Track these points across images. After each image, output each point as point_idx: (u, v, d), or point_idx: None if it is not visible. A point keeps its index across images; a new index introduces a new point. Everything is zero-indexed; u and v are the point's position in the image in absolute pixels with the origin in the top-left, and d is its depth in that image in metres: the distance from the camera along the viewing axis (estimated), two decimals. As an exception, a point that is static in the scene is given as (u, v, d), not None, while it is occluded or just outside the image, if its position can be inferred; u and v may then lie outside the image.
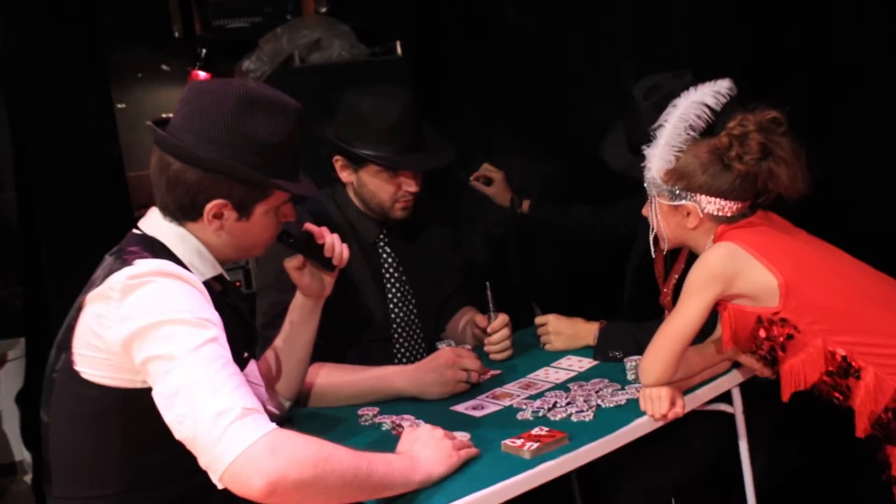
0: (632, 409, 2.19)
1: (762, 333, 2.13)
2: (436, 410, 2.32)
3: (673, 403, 2.14)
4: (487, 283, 2.69)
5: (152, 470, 1.87)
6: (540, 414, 2.21)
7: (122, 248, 1.91)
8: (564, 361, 2.60)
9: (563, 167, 3.79)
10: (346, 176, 2.69)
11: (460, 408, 2.34)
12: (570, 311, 2.78)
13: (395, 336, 2.75)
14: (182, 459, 1.69)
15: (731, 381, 2.38)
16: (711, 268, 2.13)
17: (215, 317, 1.79)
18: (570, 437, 2.03)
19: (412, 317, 2.77)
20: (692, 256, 2.60)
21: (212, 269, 1.97)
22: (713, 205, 2.18)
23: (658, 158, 2.20)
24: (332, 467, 1.68)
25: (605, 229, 3.25)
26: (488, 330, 2.68)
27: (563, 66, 3.86)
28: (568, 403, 2.24)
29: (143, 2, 4.66)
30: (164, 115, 2.01)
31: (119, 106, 4.38)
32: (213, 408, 1.63)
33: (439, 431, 1.97)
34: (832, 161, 2.56)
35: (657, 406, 2.13)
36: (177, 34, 4.63)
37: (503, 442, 2.03)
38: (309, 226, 2.25)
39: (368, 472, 1.73)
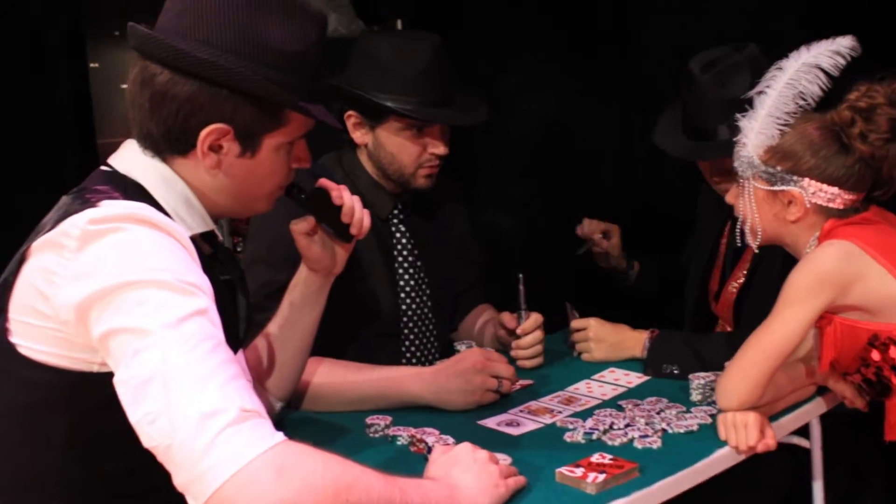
0: (706, 437, 1.81)
1: (875, 356, 1.75)
2: (459, 424, 1.91)
3: (762, 433, 1.75)
4: (520, 276, 2.28)
5: (107, 486, 1.43)
6: (594, 437, 1.80)
7: (84, 186, 1.46)
8: (608, 374, 2.21)
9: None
10: (359, 136, 2.26)
11: (490, 423, 1.93)
12: (607, 314, 2.38)
13: (405, 332, 2.32)
14: (149, 473, 1.26)
15: (814, 410, 1.99)
16: (823, 270, 1.74)
17: (205, 282, 1.36)
18: (640, 469, 1.63)
19: (425, 310, 2.35)
20: (759, 259, 2.23)
21: (201, 223, 1.53)
22: (823, 193, 1.79)
23: (757, 133, 1.81)
24: (356, 498, 1.27)
25: None
26: (518, 331, 2.27)
27: (573, 50, 3.49)
28: (627, 426, 1.84)
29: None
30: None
31: (93, 66, 4.01)
32: (198, 406, 1.21)
33: (482, 454, 1.55)
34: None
35: (743, 436, 1.74)
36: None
37: (558, 470, 1.62)
38: (325, 181, 1.82)
39: None
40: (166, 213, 1.45)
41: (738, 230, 1.92)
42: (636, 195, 3.41)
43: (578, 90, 3.56)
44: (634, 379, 2.16)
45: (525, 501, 1.55)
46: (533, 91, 3.74)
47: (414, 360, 2.33)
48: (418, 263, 2.35)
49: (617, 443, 1.77)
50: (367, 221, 1.85)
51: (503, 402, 2.03)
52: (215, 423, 1.20)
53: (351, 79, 2.22)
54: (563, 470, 1.61)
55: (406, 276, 2.34)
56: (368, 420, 1.91)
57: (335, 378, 2.04)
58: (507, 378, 2.03)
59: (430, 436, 1.81)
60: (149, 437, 1.24)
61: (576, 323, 2.35)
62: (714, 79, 2.20)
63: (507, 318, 2.31)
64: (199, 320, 1.29)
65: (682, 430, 1.82)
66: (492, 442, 1.80)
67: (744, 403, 1.77)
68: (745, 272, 2.31)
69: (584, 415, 1.92)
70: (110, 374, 1.29)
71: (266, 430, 1.24)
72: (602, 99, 3.52)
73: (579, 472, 1.60)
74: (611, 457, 1.66)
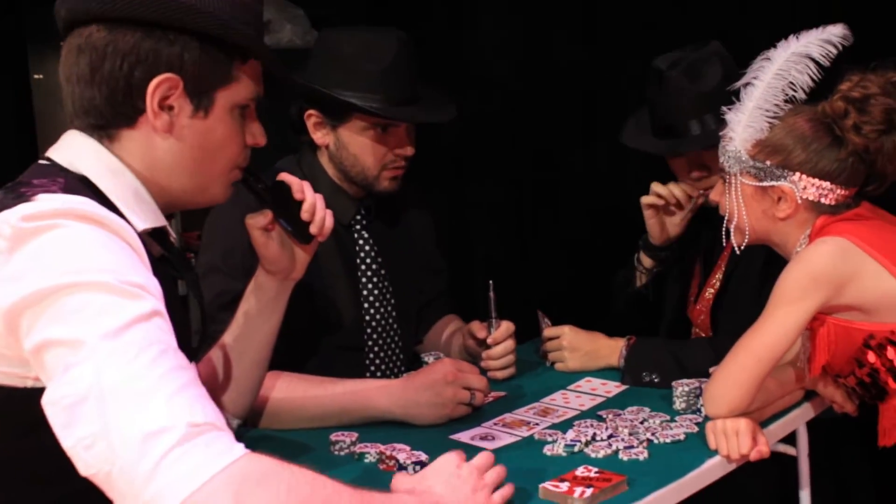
0: (694, 447, 1.71)
1: (871, 357, 1.66)
2: (430, 439, 1.78)
3: (755, 440, 1.65)
4: (490, 283, 2.17)
5: None
6: (576, 449, 1.69)
7: (20, 180, 1.31)
8: (584, 384, 2.10)
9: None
10: (320, 136, 2.13)
11: (464, 437, 1.81)
12: (579, 322, 2.27)
13: (370, 344, 2.19)
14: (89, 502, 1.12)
15: (802, 416, 1.90)
16: (817, 269, 1.64)
17: (153, 283, 1.22)
18: (629, 482, 1.52)
19: (390, 321, 2.22)
20: (735, 262, 2.15)
21: (153, 218, 1.39)
22: (815, 188, 1.70)
23: (745, 126, 1.72)
24: None
25: None
26: (489, 341, 2.15)
27: (539, 62, 3.40)
28: (610, 437, 1.73)
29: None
30: None
31: (36, 77, 3.87)
32: (140, 426, 1.07)
33: (467, 468, 1.43)
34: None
35: (735, 444, 1.64)
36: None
37: (542, 486, 1.50)
38: (285, 176, 1.69)
39: None
40: (114, 208, 1.31)
41: (723, 230, 1.82)
42: (600, 200, 3.32)
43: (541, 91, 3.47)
44: (613, 388, 2.06)
45: (507, 521, 1.43)
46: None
47: (378, 374, 2.20)
48: (382, 272, 2.22)
49: (601, 455, 1.66)
50: (329, 222, 1.72)
51: (476, 415, 1.91)
52: (160, 444, 1.06)
53: (312, 76, 2.10)
54: (548, 485, 1.50)
55: (370, 286, 2.21)
56: (333, 437, 1.78)
57: (296, 393, 1.91)
58: (479, 390, 1.91)
59: (401, 452, 1.68)
60: (85, 465, 1.10)
61: (548, 331, 2.23)
62: (683, 74, 2.13)
63: (477, 327, 2.19)
64: (144, 326, 1.14)
65: (668, 440, 1.72)
66: (466, 457, 1.68)
67: (733, 410, 1.67)
68: (719, 277, 2.22)
69: (563, 426, 1.81)
70: (43, 391, 1.15)
71: (222, 445, 1.11)
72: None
73: (565, 486, 1.49)
74: (596, 469, 1.55)
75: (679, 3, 3.05)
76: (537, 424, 1.85)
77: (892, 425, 1.70)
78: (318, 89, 2.05)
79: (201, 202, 1.49)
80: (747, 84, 1.74)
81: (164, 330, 1.18)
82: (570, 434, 1.75)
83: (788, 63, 1.70)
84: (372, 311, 2.19)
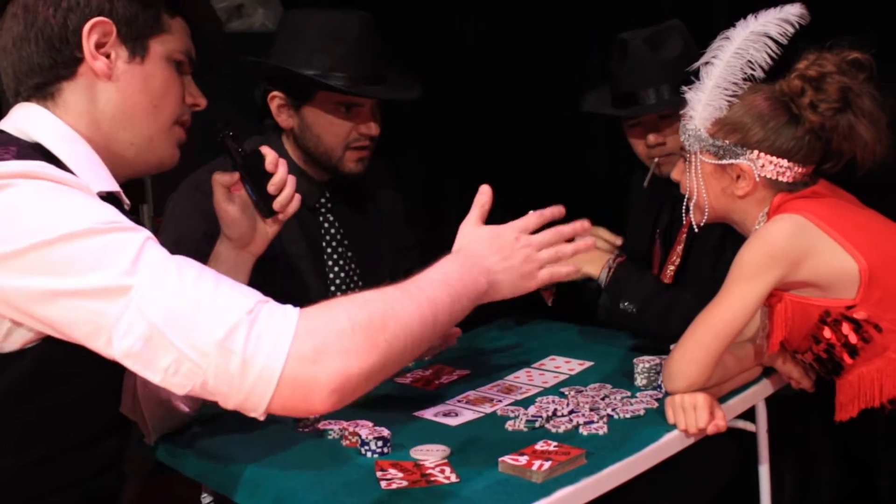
0: (653, 421, 1.73)
1: (827, 333, 1.68)
2: (394, 416, 1.79)
3: (712, 414, 1.67)
4: None
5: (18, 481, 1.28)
6: (537, 424, 1.70)
7: None
8: (548, 362, 2.11)
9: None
10: (284, 118, 2.13)
11: (427, 414, 1.82)
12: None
13: (337, 324, 2.19)
14: (63, 465, 1.19)
15: (760, 392, 1.92)
16: (773, 245, 1.66)
17: (130, 223, 1.26)
18: (587, 455, 1.54)
19: (357, 302, 2.22)
20: (692, 238, 2.16)
21: (107, 183, 1.39)
22: (773, 166, 1.72)
23: (704, 105, 1.73)
24: (393, 334, 1.27)
25: None
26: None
27: (524, 47, 3.41)
28: (571, 412, 1.75)
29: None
30: None
31: None
32: (210, 335, 1.17)
33: (526, 241, 1.56)
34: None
35: (692, 418, 1.66)
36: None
37: (501, 460, 1.52)
38: (265, 148, 1.72)
39: (434, 317, 1.35)
40: (70, 172, 1.31)
41: (683, 207, 1.84)
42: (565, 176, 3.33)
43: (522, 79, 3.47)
44: (576, 366, 2.07)
45: (467, 493, 1.44)
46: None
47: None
48: (349, 254, 2.23)
49: (561, 430, 1.68)
50: (294, 204, 1.74)
51: (440, 392, 1.92)
52: (236, 341, 1.16)
53: (276, 56, 2.10)
54: (507, 459, 1.51)
55: (336, 269, 2.21)
56: (297, 414, 1.78)
57: None
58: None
59: (363, 428, 1.69)
60: (181, 386, 1.19)
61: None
62: (644, 42, 2.15)
63: None
64: (151, 250, 1.21)
65: (628, 416, 1.74)
66: (429, 433, 1.70)
67: (692, 385, 1.69)
68: (679, 251, 2.24)
69: (526, 403, 1.82)
70: (17, 354, 1.22)
71: (277, 316, 1.20)
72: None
73: (523, 460, 1.50)
74: (556, 444, 1.57)
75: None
76: (500, 401, 1.86)
77: (849, 400, 1.72)
78: (283, 66, 2.05)
79: (150, 162, 1.49)
80: (707, 63, 1.75)
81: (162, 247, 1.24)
82: (532, 410, 1.76)
83: (747, 42, 1.71)
84: (339, 294, 2.19)
